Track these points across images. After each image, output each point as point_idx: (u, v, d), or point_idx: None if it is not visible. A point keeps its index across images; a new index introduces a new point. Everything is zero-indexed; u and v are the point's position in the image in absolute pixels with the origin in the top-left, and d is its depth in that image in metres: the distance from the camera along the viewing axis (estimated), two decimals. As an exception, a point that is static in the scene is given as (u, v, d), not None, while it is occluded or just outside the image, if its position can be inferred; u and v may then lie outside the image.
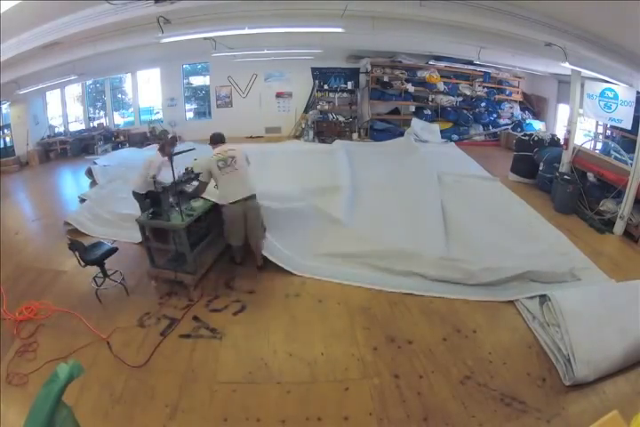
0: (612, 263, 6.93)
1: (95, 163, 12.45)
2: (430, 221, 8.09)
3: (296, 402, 4.43)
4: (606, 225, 8.29)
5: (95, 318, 5.80)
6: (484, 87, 16.44)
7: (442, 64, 15.55)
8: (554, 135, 11.29)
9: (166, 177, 6.43)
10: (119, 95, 17.95)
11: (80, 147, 15.91)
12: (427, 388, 4.54)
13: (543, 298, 5.33)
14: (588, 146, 10.25)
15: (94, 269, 6.20)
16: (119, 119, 17.92)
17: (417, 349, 5.13)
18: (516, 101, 16.73)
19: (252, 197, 6.51)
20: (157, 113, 17.98)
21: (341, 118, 16.96)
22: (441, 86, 16.45)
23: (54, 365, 2.33)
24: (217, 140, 6.80)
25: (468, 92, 16.51)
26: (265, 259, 6.92)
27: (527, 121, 15.61)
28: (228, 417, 4.25)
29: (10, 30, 7.62)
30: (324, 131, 16.60)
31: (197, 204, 6.68)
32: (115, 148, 16.05)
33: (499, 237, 7.64)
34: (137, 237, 7.04)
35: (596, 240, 7.90)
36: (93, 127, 16.88)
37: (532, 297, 5.80)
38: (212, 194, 6.74)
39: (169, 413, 4.29)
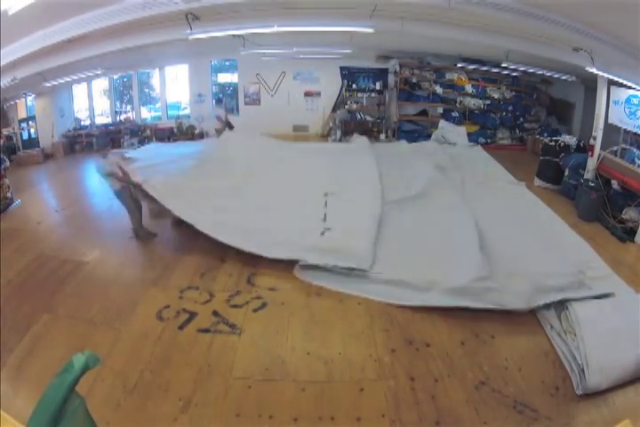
0: (632, 273, 6.84)
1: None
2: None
3: (310, 400, 4.45)
4: (628, 234, 8.18)
5: (115, 308, 5.90)
6: (511, 91, 16.33)
7: (470, 66, 15.33)
8: (580, 141, 11.14)
9: None
10: (146, 90, 18.16)
11: (106, 140, 16.14)
12: (441, 391, 4.54)
13: (562, 306, 5.30)
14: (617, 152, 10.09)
15: (115, 261, 6.18)
16: (146, 113, 18.08)
17: (434, 352, 5.12)
18: (543, 106, 16.56)
19: None
20: (185, 108, 18.10)
21: (369, 118, 16.92)
22: (469, 89, 16.33)
23: (69, 354, 2.33)
24: None
25: (495, 96, 16.35)
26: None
27: (553, 126, 15.44)
28: (240, 413, 4.28)
29: (35, 23, 7.71)
30: (352, 130, 16.46)
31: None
32: (141, 142, 16.18)
33: (519, 242, 7.51)
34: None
35: (618, 249, 7.79)
36: (120, 121, 17.13)
37: (549, 305, 5.70)
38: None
39: (182, 406, 4.33)
